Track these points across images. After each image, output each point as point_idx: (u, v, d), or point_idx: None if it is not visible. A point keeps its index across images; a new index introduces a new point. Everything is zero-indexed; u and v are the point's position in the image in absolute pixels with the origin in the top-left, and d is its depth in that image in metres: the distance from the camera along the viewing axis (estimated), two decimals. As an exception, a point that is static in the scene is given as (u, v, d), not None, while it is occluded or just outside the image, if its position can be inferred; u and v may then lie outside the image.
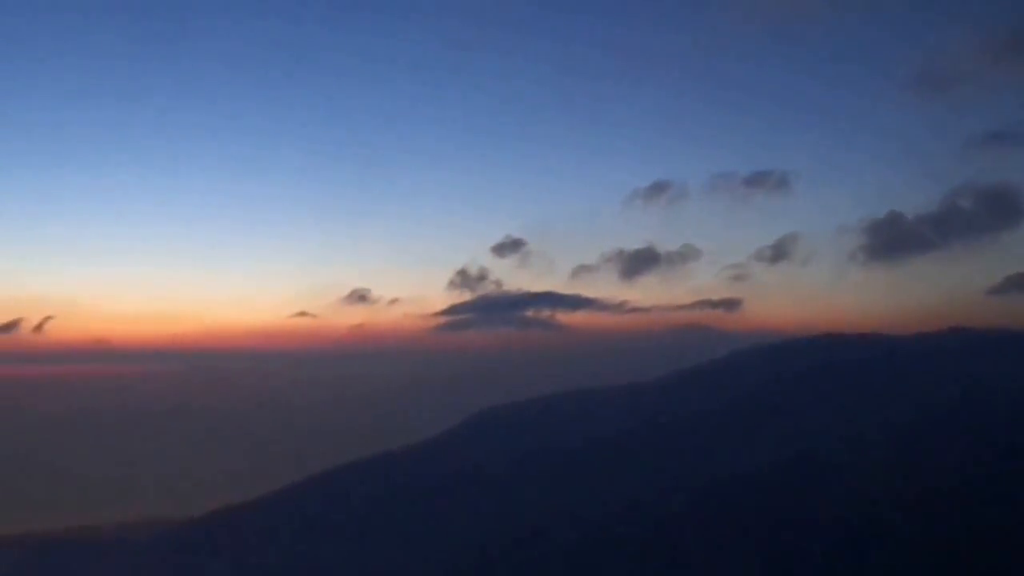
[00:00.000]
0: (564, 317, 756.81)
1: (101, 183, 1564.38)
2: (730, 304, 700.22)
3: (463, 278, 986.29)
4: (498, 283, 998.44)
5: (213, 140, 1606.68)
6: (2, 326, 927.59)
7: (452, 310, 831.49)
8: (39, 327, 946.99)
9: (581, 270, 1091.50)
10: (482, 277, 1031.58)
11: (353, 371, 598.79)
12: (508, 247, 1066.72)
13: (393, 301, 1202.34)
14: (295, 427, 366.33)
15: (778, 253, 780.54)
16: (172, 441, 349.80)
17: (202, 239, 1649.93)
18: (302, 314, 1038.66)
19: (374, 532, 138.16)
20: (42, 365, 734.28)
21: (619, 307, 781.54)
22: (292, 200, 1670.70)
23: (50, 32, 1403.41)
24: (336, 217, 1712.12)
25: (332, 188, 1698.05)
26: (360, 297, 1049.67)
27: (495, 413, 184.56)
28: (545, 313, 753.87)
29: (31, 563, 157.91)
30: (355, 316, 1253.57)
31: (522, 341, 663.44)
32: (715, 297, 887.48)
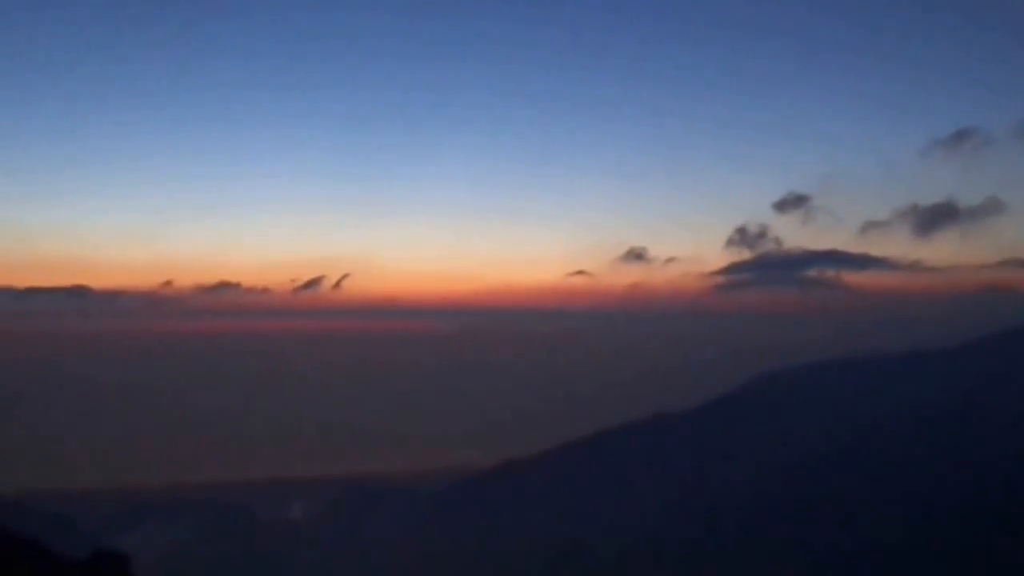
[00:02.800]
0: (850, 277, 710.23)
1: (394, 150, 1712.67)
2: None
3: (742, 236, 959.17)
4: (779, 241, 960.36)
5: (499, 106, 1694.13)
6: (306, 283, 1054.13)
7: (730, 269, 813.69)
8: (338, 284, 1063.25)
9: (870, 227, 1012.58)
10: (762, 235, 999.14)
11: (629, 330, 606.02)
12: (791, 203, 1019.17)
13: (670, 260, 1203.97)
14: (572, 385, 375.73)
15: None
16: (456, 396, 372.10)
17: (486, 200, 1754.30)
18: (580, 273, 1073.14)
19: (646, 492, 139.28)
20: (339, 319, 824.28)
21: (912, 267, 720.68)
22: (571, 160, 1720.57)
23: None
24: (615, 175, 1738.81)
25: (609, 147, 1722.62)
26: (637, 256, 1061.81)
27: (774, 377, 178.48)
28: (829, 273, 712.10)
29: (333, 504, 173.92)
30: (631, 275, 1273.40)
31: (804, 302, 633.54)
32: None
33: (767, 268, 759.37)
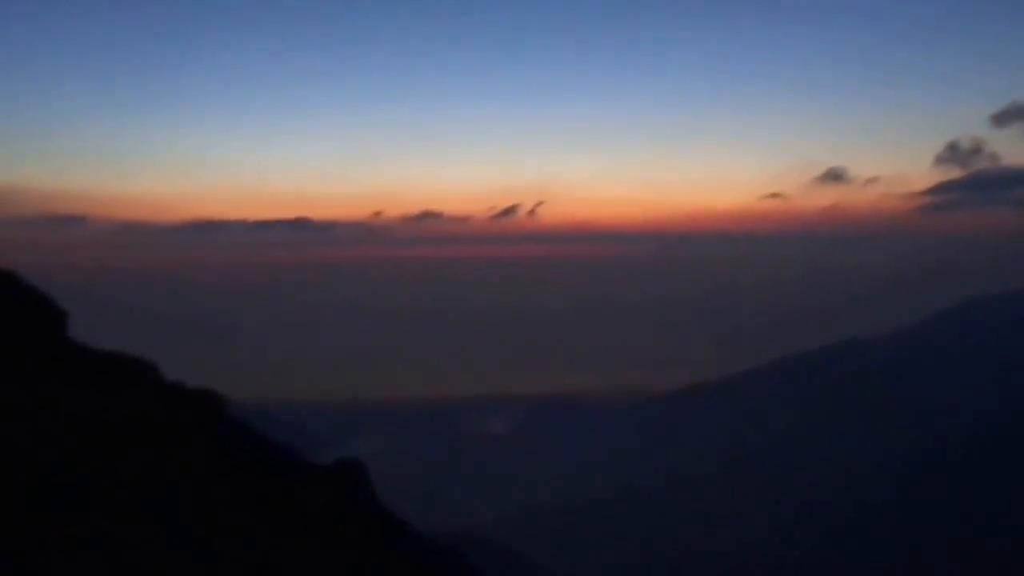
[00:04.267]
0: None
1: (585, 76, 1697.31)
2: None
3: (953, 152, 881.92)
4: (996, 157, 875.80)
5: (690, 25, 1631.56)
6: (503, 210, 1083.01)
7: (939, 189, 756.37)
8: (532, 211, 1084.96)
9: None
10: (977, 151, 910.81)
11: (824, 255, 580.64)
12: (1011, 115, 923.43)
13: (871, 180, 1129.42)
14: (761, 311, 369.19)
15: None
16: (646, 319, 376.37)
17: (678, 122, 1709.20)
18: (774, 196, 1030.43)
19: (837, 418, 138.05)
20: (533, 245, 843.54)
21: None
22: (765, 76, 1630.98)
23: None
24: (811, 90, 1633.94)
25: (806, 59, 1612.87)
26: (835, 176, 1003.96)
27: (981, 303, 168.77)
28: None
29: (528, 419, 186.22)
30: (828, 197, 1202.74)
31: (1022, 224, 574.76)
32: None
33: (981, 187, 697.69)
